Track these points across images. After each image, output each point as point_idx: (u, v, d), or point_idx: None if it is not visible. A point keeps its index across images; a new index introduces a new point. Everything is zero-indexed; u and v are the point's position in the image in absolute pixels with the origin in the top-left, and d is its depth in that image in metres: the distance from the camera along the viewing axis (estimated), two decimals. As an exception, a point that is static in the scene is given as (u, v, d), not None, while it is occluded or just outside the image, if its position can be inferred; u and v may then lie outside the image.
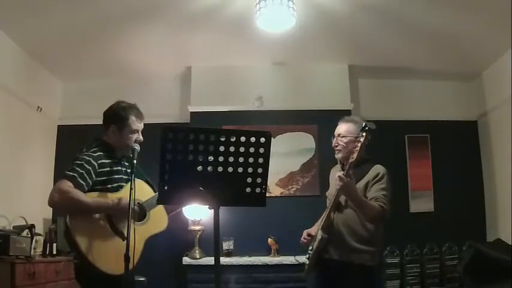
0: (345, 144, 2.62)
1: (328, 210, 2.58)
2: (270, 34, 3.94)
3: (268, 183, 1.81)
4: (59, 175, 2.17)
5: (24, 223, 3.75)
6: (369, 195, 2.53)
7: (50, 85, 5.07)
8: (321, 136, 4.67)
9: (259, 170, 1.76)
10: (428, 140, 5.20)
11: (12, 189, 4.16)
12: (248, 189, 1.77)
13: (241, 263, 4.19)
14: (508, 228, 4.36)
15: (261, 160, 1.76)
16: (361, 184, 2.56)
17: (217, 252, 1.75)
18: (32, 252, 3.61)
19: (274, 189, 4.66)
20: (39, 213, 4.50)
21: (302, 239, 2.74)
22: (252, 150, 1.74)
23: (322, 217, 2.72)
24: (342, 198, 2.57)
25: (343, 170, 2.58)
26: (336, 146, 2.66)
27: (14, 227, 3.69)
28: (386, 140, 5.12)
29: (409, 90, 5.31)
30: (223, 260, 4.05)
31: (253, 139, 1.74)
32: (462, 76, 5.24)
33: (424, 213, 4.98)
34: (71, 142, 4.79)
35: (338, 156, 2.66)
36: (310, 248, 2.68)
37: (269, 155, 1.77)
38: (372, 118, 5.10)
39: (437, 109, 5.24)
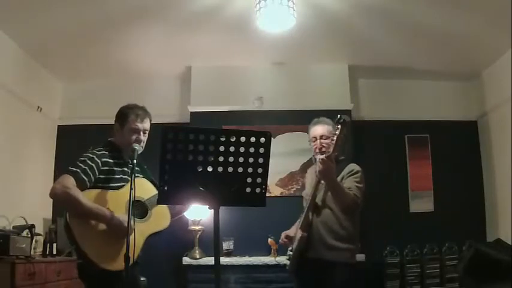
0: (328, 146, 2.65)
1: (306, 211, 2.63)
2: (270, 34, 3.95)
3: (268, 183, 1.81)
4: (59, 175, 2.19)
5: (24, 223, 3.74)
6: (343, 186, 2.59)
7: (50, 85, 5.07)
8: (321, 136, 4.67)
9: (259, 170, 1.76)
10: (428, 140, 5.20)
11: (12, 189, 4.16)
12: (248, 189, 1.77)
13: (241, 263, 4.19)
14: (508, 228, 4.36)
15: (261, 160, 1.75)
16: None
17: (217, 252, 1.74)
18: (32, 252, 3.61)
19: (274, 189, 4.66)
20: (39, 213, 4.50)
21: (280, 240, 2.79)
22: (252, 150, 1.73)
23: (300, 219, 2.76)
24: (319, 199, 2.63)
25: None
26: (321, 148, 2.69)
27: (14, 227, 3.69)
28: (386, 140, 5.14)
29: (409, 90, 5.31)
30: (223, 260, 4.06)
31: (253, 139, 1.73)
32: (462, 76, 5.24)
33: (424, 213, 4.98)
34: (71, 142, 4.81)
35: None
36: (290, 248, 2.73)
37: (269, 155, 1.76)
38: (372, 118, 5.19)
39: (437, 109, 5.24)
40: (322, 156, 2.45)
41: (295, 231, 2.75)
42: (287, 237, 2.77)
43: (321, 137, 2.70)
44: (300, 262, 2.65)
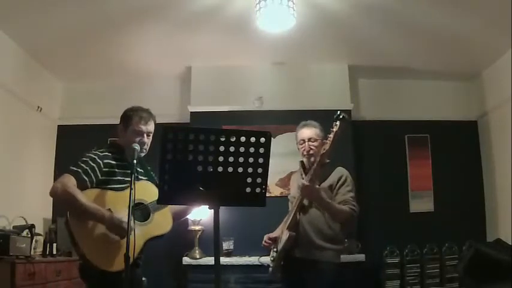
0: (316, 149, 2.67)
1: (293, 211, 2.64)
2: (270, 34, 3.95)
3: (268, 183, 1.81)
4: (59, 175, 2.19)
5: (24, 223, 3.74)
6: (337, 199, 2.60)
7: (50, 85, 5.07)
8: (321, 136, 4.68)
9: (259, 170, 1.76)
10: (428, 140, 5.21)
11: (12, 189, 4.16)
12: (248, 189, 1.77)
13: (241, 263, 4.19)
14: (508, 228, 4.36)
15: (261, 160, 1.75)
16: (324, 185, 2.63)
17: (217, 252, 1.75)
18: (32, 252, 3.61)
19: (274, 189, 4.66)
20: (39, 213, 4.50)
21: (264, 242, 2.79)
22: (252, 150, 1.73)
23: (285, 220, 2.78)
24: (306, 199, 2.63)
25: (305, 173, 2.68)
26: (309, 151, 2.70)
27: (14, 227, 3.69)
28: (386, 140, 5.14)
29: (409, 90, 5.31)
30: (223, 260, 4.05)
31: (253, 139, 1.73)
32: (462, 76, 5.24)
33: (424, 213, 4.98)
34: (71, 142, 4.82)
35: (311, 160, 2.68)
36: (275, 249, 2.74)
37: (269, 155, 1.76)
38: (371, 118, 5.20)
39: (437, 109, 5.24)
40: (304, 182, 2.48)
41: (279, 233, 2.76)
42: (270, 239, 2.78)
43: (309, 140, 2.71)
44: (286, 261, 2.66)
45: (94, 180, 2.18)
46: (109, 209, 2.15)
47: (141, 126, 2.33)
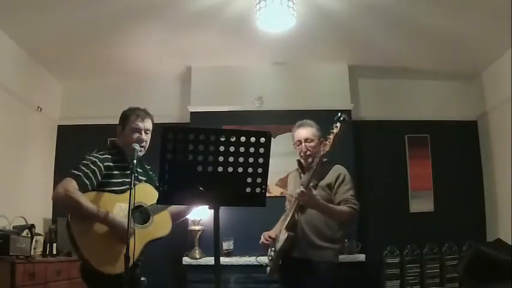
0: (313, 149, 2.66)
1: (292, 211, 2.62)
2: (270, 34, 3.95)
3: (268, 183, 1.81)
4: (59, 175, 2.20)
5: (24, 223, 3.74)
6: (336, 198, 2.59)
7: (50, 85, 5.08)
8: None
9: (259, 170, 1.76)
10: (428, 140, 5.20)
11: (12, 189, 4.16)
12: (248, 189, 1.76)
13: (241, 263, 4.19)
14: (508, 228, 4.36)
15: (261, 160, 1.75)
16: (322, 184, 2.62)
17: (217, 252, 1.74)
18: (32, 252, 3.61)
19: (274, 189, 4.65)
20: (39, 213, 4.50)
21: (263, 240, 2.77)
22: (252, 150, 1.73)
23: (282, 219, 2.78)
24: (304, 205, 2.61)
25: (303, 172, 2.66)
26: (306, 152, 2.67)
27: (14, 227, 3.69)
28: (386, 140, 5.14)
29: (409, 90, 5.31)
30: (223, 260, 4.06)
31: (253, 139, 1.73)
32: (462, 76, 5.24)
33: (424, 213, 4.98)
34: (71, 142, 4.82)
35: (309, 161, 2.67)
36: (273, 249, 2.72)
37: (269, 155, 1.76)
38: (371, 118, 5.20)
39: (437, 109, 5.24)
40: (301, 189, 2.44)
41: (277, 232, 2.75)
42: (269, 237, 2.76)
43: (306, 140, 2.68)
44: (284, 262, 2.65)
45: (95, 183, 2.19)
46: (108, 212, 2.15)
47: (137, 123, 2.35)
